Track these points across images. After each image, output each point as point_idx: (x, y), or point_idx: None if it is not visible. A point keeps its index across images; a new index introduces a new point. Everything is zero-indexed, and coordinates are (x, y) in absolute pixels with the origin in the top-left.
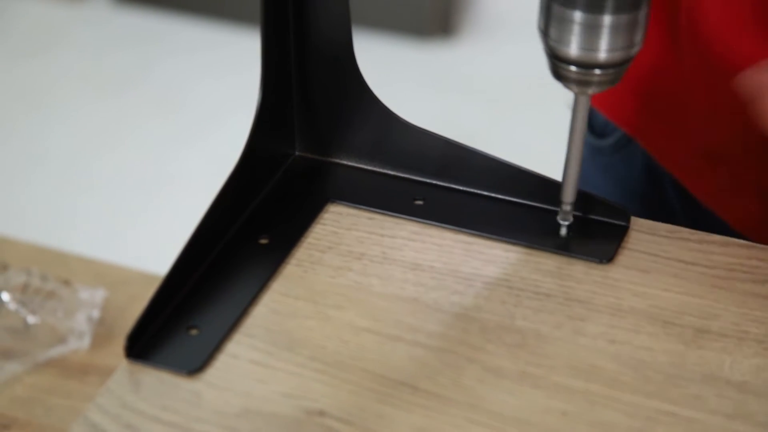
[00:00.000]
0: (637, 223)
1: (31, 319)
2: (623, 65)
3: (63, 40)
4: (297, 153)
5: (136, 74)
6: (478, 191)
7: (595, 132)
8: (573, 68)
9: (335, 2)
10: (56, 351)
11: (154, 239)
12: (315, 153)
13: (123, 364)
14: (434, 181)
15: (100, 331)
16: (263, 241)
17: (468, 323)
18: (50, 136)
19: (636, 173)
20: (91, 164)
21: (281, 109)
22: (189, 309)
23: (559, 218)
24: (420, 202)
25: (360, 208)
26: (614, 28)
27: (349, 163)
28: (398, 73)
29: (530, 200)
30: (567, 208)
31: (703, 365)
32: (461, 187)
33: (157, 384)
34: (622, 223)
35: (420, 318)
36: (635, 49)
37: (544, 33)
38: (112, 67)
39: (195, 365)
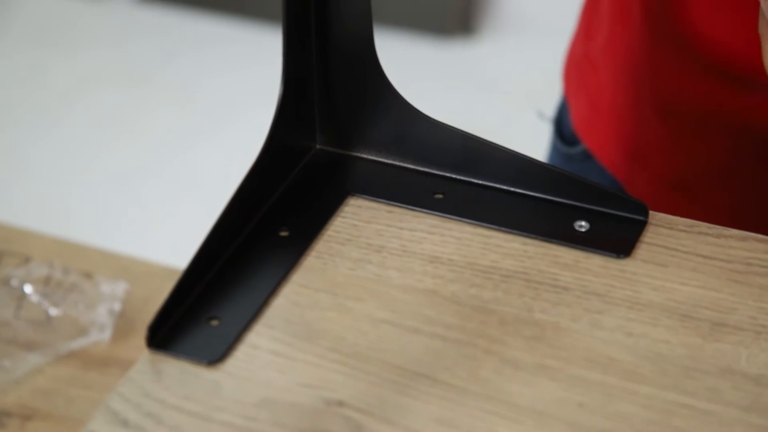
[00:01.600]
0: (656, 218)
1: (53, 312)
2: None
3: (85, 35)
4: (318, 146)
5: (157, 69)
6: (498, 185)
7: (564, 140)
8: None
9: None
10: (78, 343)
11: (175, 233)
12: (335, 146)
13: (144, 353)
14: (454, 175)
15: (122, 324)
16: (283, 234)
17: (486, 315)
18: (72, 130)
19: (608, 181)
20: (112, 158)
21: (302, 102)
22: (210, 300)
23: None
24: (439, 196)
25: (380, 202)
26: None
27: (369, 157)
28: (419, 71)
29: (549, 194)
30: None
31: (719, 358)
32: (480, 181)
33: (178, 373)
34: (641, 218)
35: (438, 310)
36: None
37: None
38: (134, 62)
39: (216, 356)
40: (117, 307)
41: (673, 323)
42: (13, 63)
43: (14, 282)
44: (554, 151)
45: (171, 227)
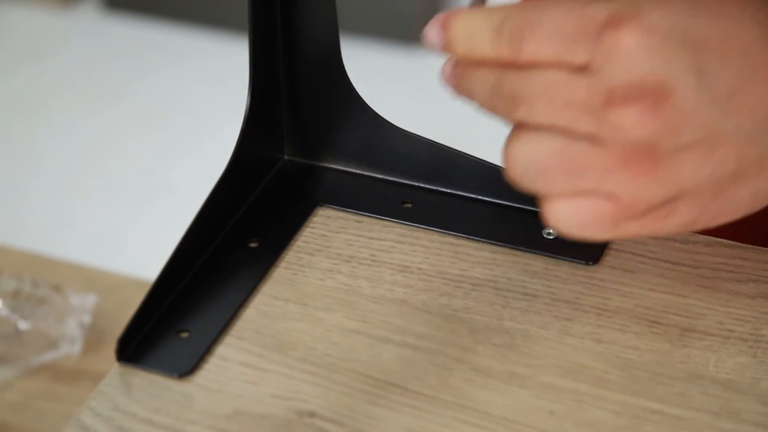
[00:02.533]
0: None
1: (23, 325)
2: None
3: (54, 47)
4: (286, 157)
5: (127, 82)
6: (466, 194)
7: None
8: None
9: (323, 8)
10: (48, 356)
11: (145, 245)
12: (304, 157)
13: (115, 366)
14: (422, 185)
15: (92, 337)
16: (253, 245)
17: (456, 324)
18: (42, 143)
19: None
20: (82, 171)
21: (270, 113)
22: (179, 312)
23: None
24: (408, 205)
25: (349, 212)
26: None
27: (338, 167)
28: (386, 80)
29: (517, 202)
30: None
31: (688, 363)
32: (449, 190)
33: (148, 386)
34: None
35: (409, 319)
36: None
37: None
38: (104, 75)
39: (186, 368)
40: (87, 319)
41: (641, 329)
42: None
43: None
44: None
45: (141, 239)
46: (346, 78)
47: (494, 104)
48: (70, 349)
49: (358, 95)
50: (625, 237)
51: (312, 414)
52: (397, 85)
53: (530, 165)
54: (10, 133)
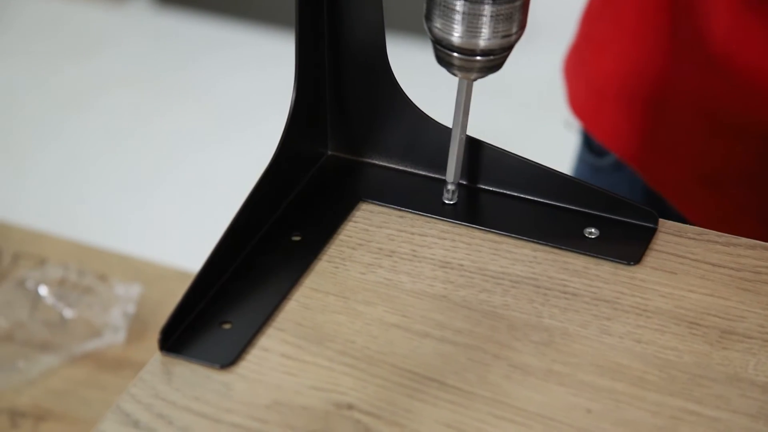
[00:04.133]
0: (665, 225)
1: (68, 313)
2: (504, 53)
3: (106, 42)
4: (330, 152)
5: (174, 73)
6: (508, 192)
7: (593, 151)
8: (456, 55)
9: (370, 5)
10: (92, 345)
11: (189, 236)
12: (347, 153)
13: (156, 355)
14: (464, 182)
15: (135, 326)
16: (296, 238)
17: (495, 321)
18: (93, 136)
19: (637, 192)
20: (128, 162)
21: (315, 108)
22: (222, 304)
23: (444, 198)
24: (450, 202)
25: (391, 207)
26: (494, 17)
27: (381, 163)
28: (430, 77)
29: (559, 201)
30: (451, 188)
31: (727, 366)
32: (490, 188)
33: (189, 375)
34: (650, 225)
35: (448, 315)
36: (514, 38)
37: (428, 20)
38: (151, 66)
39: (228, 359)
40: (131, 309)
41: (681, 330)
42: (32, 66)
43: (30, 284)
44: (581, 162)
45: (185, 231)
46: (391, 75)
47: None
48: (114, 338)
49: (403, 92)
50: None
51: (350, 406)
52: (442, 82)
53: None
54: (62, 125)
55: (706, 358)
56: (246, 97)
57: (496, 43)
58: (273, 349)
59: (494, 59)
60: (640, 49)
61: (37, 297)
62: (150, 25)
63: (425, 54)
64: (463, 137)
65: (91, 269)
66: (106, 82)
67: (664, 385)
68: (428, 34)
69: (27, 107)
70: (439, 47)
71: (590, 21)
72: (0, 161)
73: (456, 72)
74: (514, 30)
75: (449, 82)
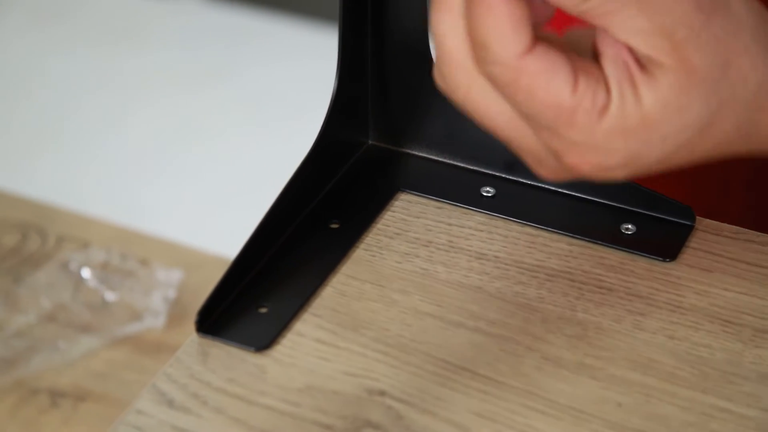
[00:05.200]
0: (702, 223)
1: (110, 296)
2: None
3: (154, 34)
4: (370, 142)
5: (222, 68)
6: (546, 186)
7: None
8: None
9: None
10: (132, 328)
11: (231, 224)
12: (388, 143)
13: (192, 336)
14: (503, 175)
15: (175, 311)
16: (334, 226)
17: (529, 313)
18: (138, 125)
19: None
20: (175, 152)
21: (356, 98)
22: (259, 288)
23: None
24: (488, 194)
25: (429, 198)
26: None
27: (421, 154)
28: None
29: (596, 196)
30: None
31: (760, 364)
32: (529, 181)
33: (224, 357)
34: (687, 222)
35: (483, 306)
36: None
37: None
38: (201, 61)
39: (263, 342)
40: (171, 294)
41: (714, 328)
42: (83, 59)
43: (73, 266)
44: None
45: (227, 218)
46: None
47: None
48: (154, 322)
49: None
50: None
51: (382, 392)
52: None
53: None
54: (109, 115)
55: (739, 356)
56: (289, 87)
57: None
58: (308, 334)
59: None
60: None
61: (79, 279)
62: (200, 19)
63: None
64: None
65: (133, 254)
66: (156, 74)
67: (696, 381)
68: None
69: (78, 96)
70: None
71: None
72: (50, 147)
73: None
74: None
75: None
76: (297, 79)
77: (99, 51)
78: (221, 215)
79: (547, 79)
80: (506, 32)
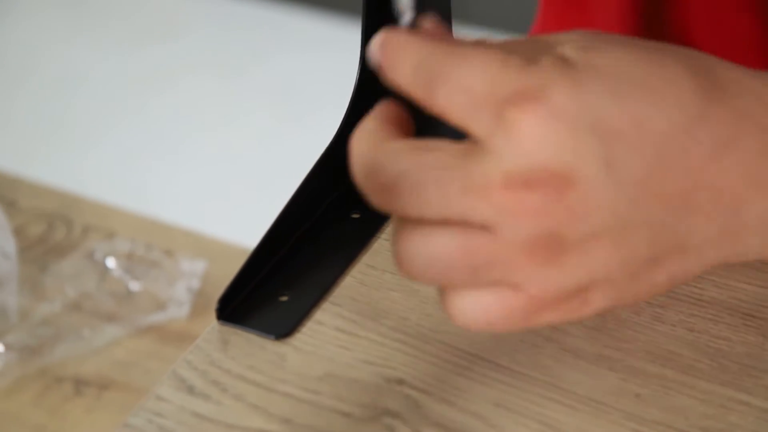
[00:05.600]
0: None
1: (134, 286)
2: None
3: (179, 24)
4: None
5: (248, 58)
6: None
7: None
8: None
9: None
10: (156, 318)
11: (255, 216)
12: None
13: (213, 324)
14: None
15: (199, 301)
16: (355, 216)
17: None
18: (163, 115)
19: None
20: (199, 144)
21: (378, 90)
22: (280, 277)
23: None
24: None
25: None
26: None
27: None
28: None
29: None
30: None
31: None
32: None
33: (244, 345)
34: None
35: None
36: None
37: None
38: (227, 53)
39: (284, 330)
40: (195, 284)
41: (734, 321)
42: (111, 49)
43: (98, 255)
44: None
45: (251, 210)
46: None
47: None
48: (178, 312)
49: None
50: (537, 326)
51: (401, 381)
52: None
53: (431, 263)
54: (136, 105)
55: (759, 350)
56: (313, 78)
57: None
58: (327, 323)
59: None
60: None
61: (104, 269)
62: (226, 12)
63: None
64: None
65: (158, 244)
66: (181, 65)
67: (715, 374)
68: None
69: (105, 86)
70: None
71: None
72: (76, 137)
73: None
74: None
75: None
76: (320, 71)
77: (125, 41)
78: (246, 206)
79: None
80: None
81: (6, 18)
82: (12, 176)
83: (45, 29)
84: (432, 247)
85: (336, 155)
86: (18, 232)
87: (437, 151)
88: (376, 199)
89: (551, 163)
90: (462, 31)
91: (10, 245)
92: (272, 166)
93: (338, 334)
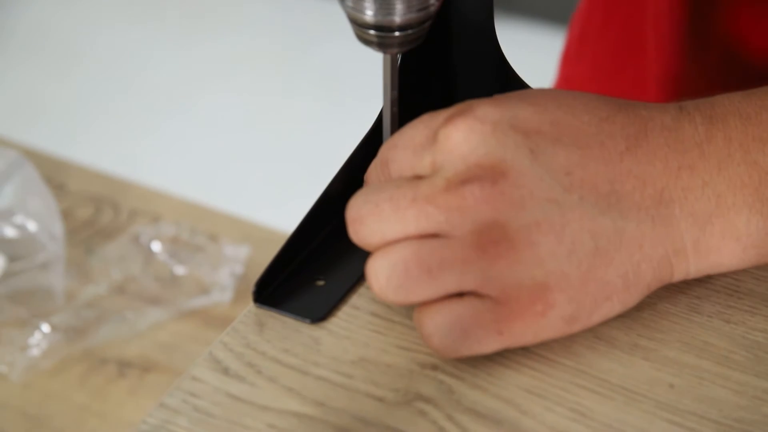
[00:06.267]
0: None
1: (179, 270)
2: (423, 24)
3: (227, 15)
4: None
5: (290, 49)
6: None
7: None
8: (373, 32)
9: None
10: (199, 302)
11: (299, 202)
12: None
13: (249, 307)
14: None
15: (242, 286)
16: None
17: None
18: (210, 104)
19: None
20: (248, 133)
21: (419, 81)
22: (317, 262)
23: None
24: None
25: None
26: None
27: None
28: (541, 61)
29: None
30: None
31: None
32: None
33: (280, 328)
34: None
35: None
36: (432, 8)
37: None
38: (272, 42)
39: (319, 314)
40: (239, 269)
41: None
42: (160, 37)
43: (144, 239)
44: None
45: (295, 196)
46: (500, 51)
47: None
48: (221, 296)
49: (513, 70)
50: (516, 342)
51: (434, 367)
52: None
53: (391, 273)
54: (185, 93)
55: None
56: (355, 68)
57: (413, 17)
58: (363, 308)
59: (414, 32)
60: (616, 88)
61: (150, 253)
62: (277, 5)
63: (542, 36)
64: (395, 111)
65: (202, 229)
66: (232, 56)
67: (750, 365)
68: (344, 12)
69: (154, 74)
70: (355, 26)
71: (568, 63)
72: (127, 122)
73: (377, 49)
74: (431, 0)
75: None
76: (368, 60)
77: (181, 30)
78: (290, 192)
79: None
80: None
81: (62, 1)
82: (61, 159)
83: (100, 13)
84: (390, 258)
85: (374, 142)
86: (66, 215)
87: (395, 181)
88: (351, 234)
89: (483, 159)
90: (504, 21)
91: (57, 228)
92: (318, 153)
93: (373, 319)
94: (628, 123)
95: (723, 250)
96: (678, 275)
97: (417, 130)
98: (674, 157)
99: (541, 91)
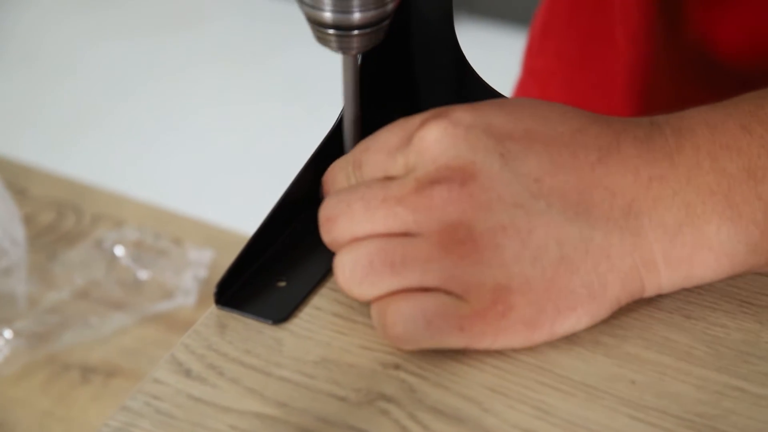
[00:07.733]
0: None
1: (142, 275)
2: (382, 23)
3: (189, 18)
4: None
5: (252, 53)
6: None
7: None
8: (332, 32)
9: None
10: (163, 306)
11: (263, 206)
12: None
13: (211, 308)
14: None
15: (206, 290)
16: None
17: None
18: (175, 105)
19: None
20: (212, 137)
21: (379, 83)
22: (278, 262)
23: None
24: None
25: None
26: None
27: None
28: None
29: None
30: None
31: None
32: None
33: (241, 329)
34: None
35: None
36: (389, 7)
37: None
38: (232, 45)
39: (281, 315)
40: (203, 273)
41: (732, 308)
42: (120, 41)
43: (107, 244)
44: None
45: (258, 200)
46: (463, 57)
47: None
48: (185, 300)
49: (473, 70)
50: (477, 342)
51: (397, 366)
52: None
53: (355, 266)
54: (146, 95)
55: (755, 337)
56: (323, 74)
57: (371, 15)
58: (325, 308)
59: (372, 31)
60: (583, 80)
61: (113, 257)
62: (242, 2)
63: (501, 38)
64: (357, 113)
65: (166, 233)
66: (194, 56)
67: (711, 360)
68: (301, 12)
69: (115, 77)
70: (314, 26)
71: (532, 56)
72: (87, 127)
73: (336, 49)
74: None
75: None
76: (327, 65)
77: (140, 30)
78: (254, 196)
79: None
80: None
81: (15, 6)
82: (22, 164)
83: (55, 17)
84: (356, 253)
85: (334, 144)
86: (28, 220)
87: (367, 182)
88: (323, 234)
89: (453, 161)
90: (466, 23)
91: (19, 233)
92: (282, 157)
93: (335, 320)
94: (601, 134)
95: (695, 260)
96: (650, 288)
97: (392, 133)
98: (645, 168)
99: (519, 101)
